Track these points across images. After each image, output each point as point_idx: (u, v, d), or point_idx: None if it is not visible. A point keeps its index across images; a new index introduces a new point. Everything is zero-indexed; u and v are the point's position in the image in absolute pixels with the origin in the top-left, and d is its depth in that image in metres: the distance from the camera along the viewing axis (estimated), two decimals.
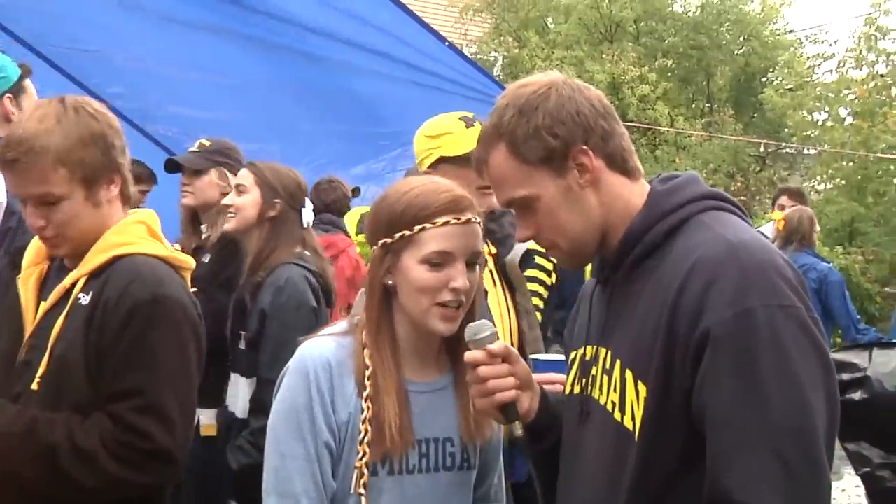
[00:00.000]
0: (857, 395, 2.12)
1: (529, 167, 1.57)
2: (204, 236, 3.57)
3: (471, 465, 1.87)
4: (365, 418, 1.74)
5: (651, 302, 1.49)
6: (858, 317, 6.06)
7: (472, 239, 1.79)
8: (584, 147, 1.55)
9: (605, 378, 1.57)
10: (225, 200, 3.23)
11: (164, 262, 2.03)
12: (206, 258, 3.46)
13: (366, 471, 1.73)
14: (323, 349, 1.81)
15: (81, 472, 1.86)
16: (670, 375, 1.43)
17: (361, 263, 4.90)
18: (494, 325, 1.73)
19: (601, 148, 1.57)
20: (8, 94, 3.02)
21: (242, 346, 3.03)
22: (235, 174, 3.49)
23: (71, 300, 1.95)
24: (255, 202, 3.12)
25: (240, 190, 3.15)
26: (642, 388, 1.47)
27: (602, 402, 1.57)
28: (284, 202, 3.13)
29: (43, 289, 2.05)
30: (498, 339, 1.69)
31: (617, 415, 1.52)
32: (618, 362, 1.54)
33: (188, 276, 2.12)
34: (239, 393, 3.03)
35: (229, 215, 3.18)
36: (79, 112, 1.95)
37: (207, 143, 3.67)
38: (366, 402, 1.75)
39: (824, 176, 14.98)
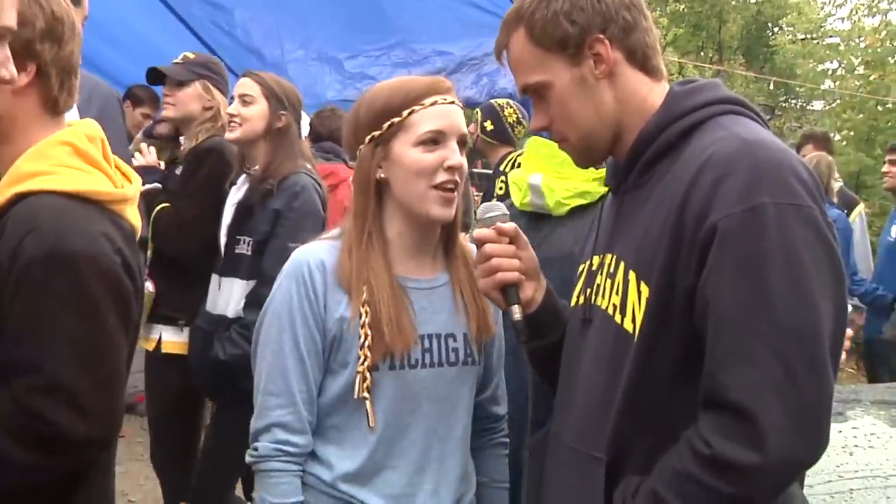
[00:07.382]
0: None
1: (545, 53, 1.53)
2: (182, 149, 3.56)
3: (475, 361, 1.86)
4: (364, 322, 1.72)
5: (660, 202, 1.43)
6: (857, 269, 6.04)
7: (458, 119, 1.79)
8: (601, 36, 1.50)
9: (609, 282, 1.52)
10: (229, 110, 3.20)
11: (82, 198, 1.60)
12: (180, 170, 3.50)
13: (368, 374, 1.71)
14: (318, 251, 1.80)
15: None
16: (674, 275, 1.38)
17: None
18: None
19: (620, 39, 1.51)
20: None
21: (244, 250, 3.05)
22: (219, 89, 3.49)
23: None
24: (263, 114, 3.12)
25: (245, 101, 3.13)
26: (644, 289, 1.42)
27: (604, 306, 1.52)
28: (290, 114, 3.14)
29: None
30: (508, 221, 1.66)
31: (617, 317, 1.47)
32: (621, 264, 1.49)
33: (125, 207, 1.71)
34: (233, 296, 3.04)
35: (232, 125, 3.15)
36: None
37: (192, 56, 3.61)
38: (363, 307, 1.72)
39: (833, 127, 14.81)
